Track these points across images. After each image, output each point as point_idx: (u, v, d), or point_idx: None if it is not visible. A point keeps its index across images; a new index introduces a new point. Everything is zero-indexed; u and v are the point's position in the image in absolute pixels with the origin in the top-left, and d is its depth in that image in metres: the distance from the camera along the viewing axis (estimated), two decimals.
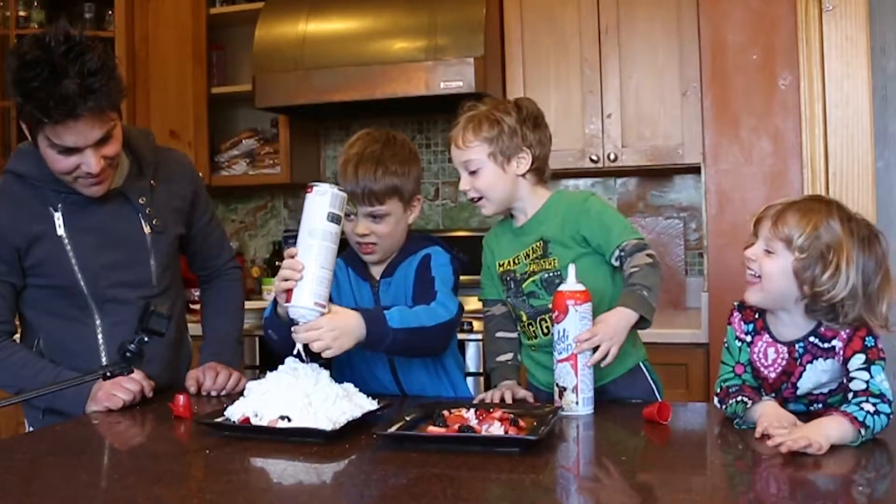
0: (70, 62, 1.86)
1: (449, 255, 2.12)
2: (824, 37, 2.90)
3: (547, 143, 2.10)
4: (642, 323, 1.92)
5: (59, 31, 1.88)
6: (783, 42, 2.96)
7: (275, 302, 1.99)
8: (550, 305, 1.93)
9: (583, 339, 1.86)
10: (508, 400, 1.96)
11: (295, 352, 1.87)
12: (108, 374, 1.87)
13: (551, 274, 2.03)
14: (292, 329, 1.87)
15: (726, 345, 1.83)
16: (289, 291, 1.85)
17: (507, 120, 2.03)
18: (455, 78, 3.40)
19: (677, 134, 3.39)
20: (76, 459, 1.67)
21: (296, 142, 4.07)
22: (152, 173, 2.19)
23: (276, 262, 4.25)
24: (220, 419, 1.79)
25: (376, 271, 2.14)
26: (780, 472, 1.47)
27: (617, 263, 2.00)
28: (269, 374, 1.84)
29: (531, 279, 2.05)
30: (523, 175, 2.06)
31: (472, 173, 2.04)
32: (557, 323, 1.88)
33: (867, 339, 1.67)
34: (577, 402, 1.87)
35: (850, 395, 1.64)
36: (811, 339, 1.72)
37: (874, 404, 1.59)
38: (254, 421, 1.75)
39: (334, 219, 1.85)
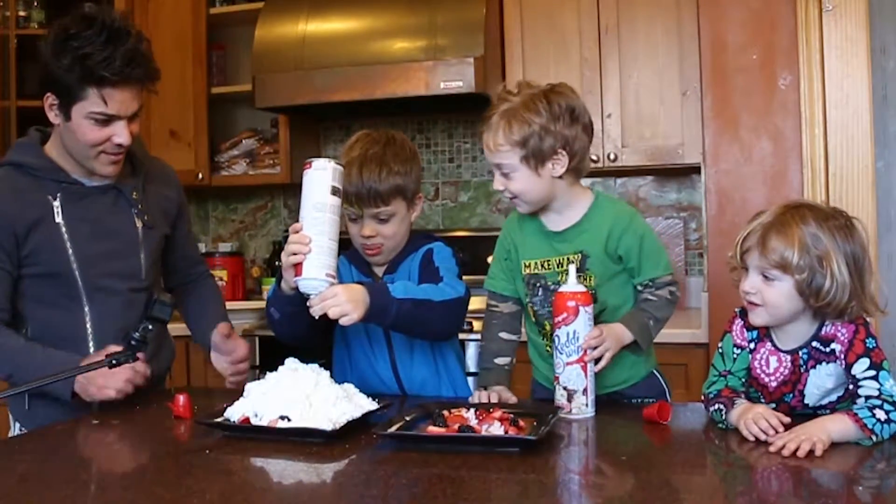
0: (123, 32, 2.01)
1: (451, 249, 2.13)
2: (824, 37, 2.90)
3: (584, 136, 1.95)
4: (634, 347, 1.94)
5: (106, 11, 2.04)
6: (783, 42, 2.96)
7: (278, 281, 1.99)
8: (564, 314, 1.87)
9: (593, 336, 1.85)
10: (495, 400, 1.95)
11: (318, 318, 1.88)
12: (114, 361, 1.88)
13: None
14: (308, 303, 1.88)
15: (720, 350, 1.82)
16: (297, 266, 1.86)
17: (536, 120, 1.89)
18: (455, 78, 3.40)
19: (677, 134, 3.39)
20: (76, 459, 1.67)
21: (296, 142, 4.07)
22: (144, 174, 2.25)
23: (276, 262, 4.25)
24: (219, 419, 1.79)
25: (379, 269, 2.15)
26: (782, 472, 1.47)
27: (640, 288, 1.99)
28: (269, 375, 1.84)
29: None
30: (560, 176, 1.94)
31: (505, 175, 1.95)
32: (566, 325, 1.84)
33: (867, 340, 1.67)
34: (586, 405, 1.86)
35: (861, 400, 1.64)
36: (814, 343, 1.71)
37: (887, 412, 1.59)
38: (254, 421, 1.75)
39: (336, 192, 1.88)
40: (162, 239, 2.28)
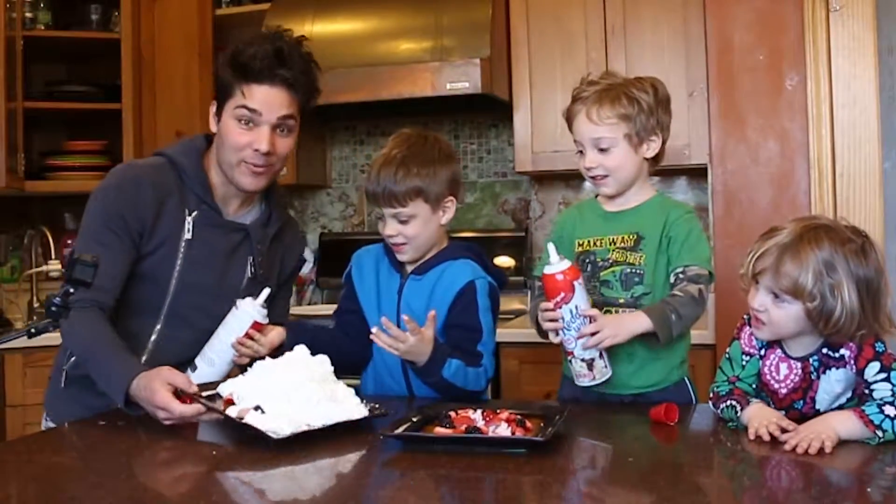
0: (282, 37, 2.07)
1: (487, 280, 2.09)
2: (831, 37, 2.89)
3: (669, 130, 2.05)
4: (652, 339, 1.92)
5: (282, 31, 2.10)
6: (790, 42, 2.95)
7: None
8: (621, 299, 1.98)
9: (587, 333, 1.86)
10: None
11: None
12: (34, 330, 1.77)
13: (633, 270, 2.00)
14: (377, 331, 1.93)
15: (728, 356, 1.82)
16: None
17: (645, 98, 1.98)
18: (461, 79, 3.40)
19: (684, 134, 3.38)
20: (83, 461, 1.67)
21: (301, 143, 3.99)
22: (276, 231, 2.23)
23: None
24: (211, 392, 1.81)
25: (409, 265, 2.14)
26: (790, 471, 1.47)
27: (672, 279, 1.98)
28: (277, 360, 1.85)
29: (612, 269, 2.01)
30: (646, 159, 2.03)
31: (602, 150, 2.00)
32: (566, 304, 1.86)
33: (877, 344, 1.67)
34: (605, 366, 1.91)
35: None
36: (824, 350, 1.71)
37: None
38: (236, 402, 1.76)
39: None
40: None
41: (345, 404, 1.80)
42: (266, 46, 2.02)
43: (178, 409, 1.79)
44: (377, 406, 1.84)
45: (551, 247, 1.90)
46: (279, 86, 2.04)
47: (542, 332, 2.00)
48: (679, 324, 1.91)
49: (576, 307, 1.86)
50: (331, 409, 1.76)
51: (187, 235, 2.08)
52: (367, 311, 2.16)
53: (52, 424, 2.16)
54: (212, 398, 1.81)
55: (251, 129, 2.04)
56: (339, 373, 1.91)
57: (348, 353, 2.11)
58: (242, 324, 2.04)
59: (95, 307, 1.98)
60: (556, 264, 1.87)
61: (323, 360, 1.85)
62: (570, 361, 1.92)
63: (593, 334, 1.86)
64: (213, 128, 2.11)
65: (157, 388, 1.81)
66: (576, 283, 1.86)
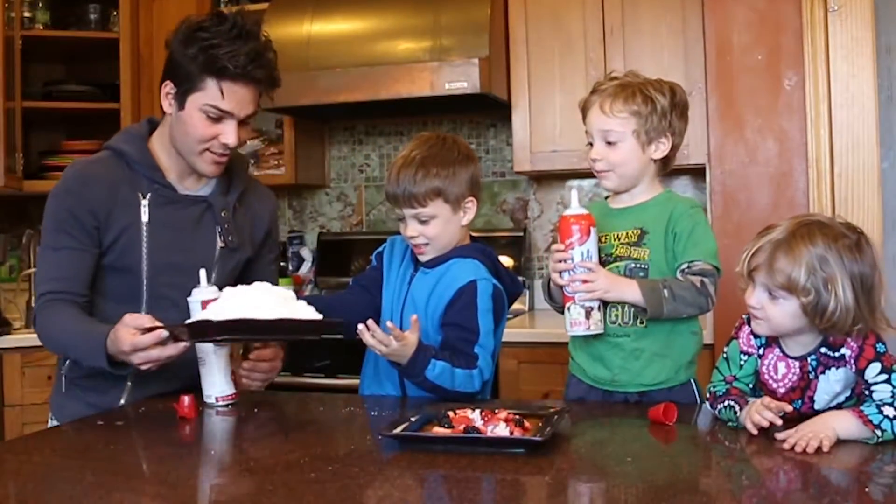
0: (254, 33, 2.05)
1: (492, 283, 2.08)
2: (830, 37, 2.89)
3: (683, 136, 2.07)
4: (642, 312, 1.95)
5: (240, 13, 2.08)
6: (788, 42, 2.95)
7: None
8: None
9: (580, 279, 1.91)
10: None
11: None
12: None
13: (637, 265, 2.00)
14: (363, 329, 1.92)
15: (725, 355, 1.82)
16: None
17: (660, 100, 2.00)
18: (460, 78, 3.40)
19: None
20: (81, 460, 1.67)
21: (301, 143, 4.07)
22: (238, 195, 2.22)
23: (281, 263, 4.25)
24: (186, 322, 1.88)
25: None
26: (790, 470, 1.47)
27: (677, 276, 1.98)
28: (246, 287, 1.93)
29: (616, 264, 2.02)
30: (654, 161, 2.03)
31: (610, 144, 2.01)
32: (579, 245, 1.91)
33: (878, 345, 1.67)
34: (601, 320, 1.95)
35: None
36: (822, 349, 1.71)
37: None
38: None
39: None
40: (241, 264, 2.23)
41: (294, 307, 1.86)
42: (242, 46, 2.00)
43: (142, 341, 1.84)
44: (336, 319, 1.92)
45: (574, 193, 1.97)
46: (251, 85, 2.04)
47: (555, 301, 2.06)
48: (672, 303, 1.92)
49: (587, 250, 1.91)
50: (279, 311, 1.82)
51: (145, 218, 2.09)
52: (384, 294, 2.18)
53: (57, 423, 2.16)
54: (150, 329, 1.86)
55: (218, 122, 2.04)
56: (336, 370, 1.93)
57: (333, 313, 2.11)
58: (197, 311, 2.00)
59: (63, 300, 2.03)
60: (575, 208, 1.94)
61: (287, 290, 1.91)
62: (569, 309, 1.94)
63: (586, 283, 1.91)
64: (168, 109, 2.09)
65: (122, 336, 1.86)
66: (592, 228, 1.92)
